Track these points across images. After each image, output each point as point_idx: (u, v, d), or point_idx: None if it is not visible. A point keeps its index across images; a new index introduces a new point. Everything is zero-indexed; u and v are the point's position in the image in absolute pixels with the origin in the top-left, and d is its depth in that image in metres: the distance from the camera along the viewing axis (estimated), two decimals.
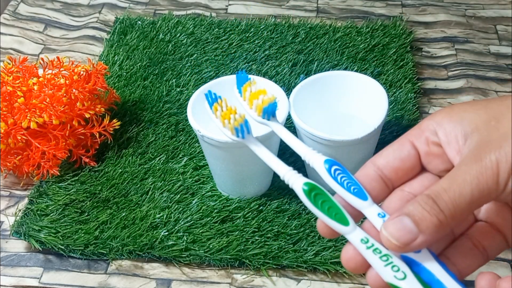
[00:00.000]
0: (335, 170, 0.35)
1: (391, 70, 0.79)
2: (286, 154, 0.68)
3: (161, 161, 0.69)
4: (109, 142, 0.69)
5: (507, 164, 0.30)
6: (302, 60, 0.81)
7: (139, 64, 0.81)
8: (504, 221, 0.35)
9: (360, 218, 0.35)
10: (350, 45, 0.83)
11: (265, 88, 0.41)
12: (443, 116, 0.34)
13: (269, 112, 0.40)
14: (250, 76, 0.44)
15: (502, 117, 0.32)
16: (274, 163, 0.37)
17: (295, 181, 0.35)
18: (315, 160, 0.36)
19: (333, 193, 0.35)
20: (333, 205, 0.34)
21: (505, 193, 0.30)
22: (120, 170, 0.68)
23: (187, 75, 0.79)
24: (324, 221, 0.34)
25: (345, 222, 0.33)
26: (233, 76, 0.65)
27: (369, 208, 0.34)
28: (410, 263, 0.33)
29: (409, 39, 0.84)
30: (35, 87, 0.66)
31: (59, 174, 0.66)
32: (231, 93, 0.64)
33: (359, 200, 0.34)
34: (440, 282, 0.32)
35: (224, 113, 0.39)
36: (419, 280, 0.32)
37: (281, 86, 0.64)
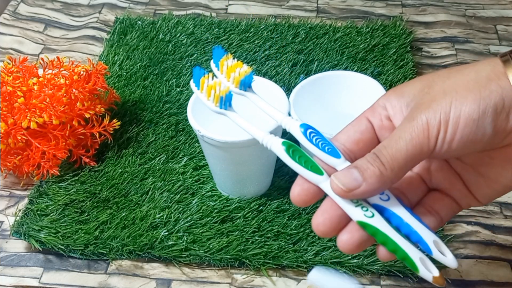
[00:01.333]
0: (310, 133, 0.39)
1: (391, 70, 0.79)
2: None
3: (161, 161, 0.69)
4: (109, 142, 0.69)
5: (435, 121, 0.35)
6: (302, 60, 0.81)
7: (139, 64, 0.81)
8: (450, 185, 0.40)
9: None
10: (350, 45, 0.83)
11: (240, 61, 0.44)
12: (390, 93, 0.39)
13: (246, 84, 0.43)
14: (226, 50, 0.47)
15: (434, 83, 0.37)
16: (252, 130, 0.41)
17: (273, 141, 0.39)
18: (292, 124, 0.40)
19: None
20: (308, 159, 0.38)
21: (437, 148, 0.35)
22: (120, 170, 0.68)
23: (187, 75, 0.79)
24: (301, 173, 0.38)
25: (320, 172, 0.37)
26: None
27: (342, 165, 0.38)
28: (380, 210, 0.37)
29: (409, 39, 0.84)
30: (35, 87, 0.66)
31: (59, 174, 0.66)
32: None
33: (333, 158, 0.38)
34: (407, 224, 0.37)
35: (210, 86, 0.42)
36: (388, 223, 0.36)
37: (281, 86, 0.64)
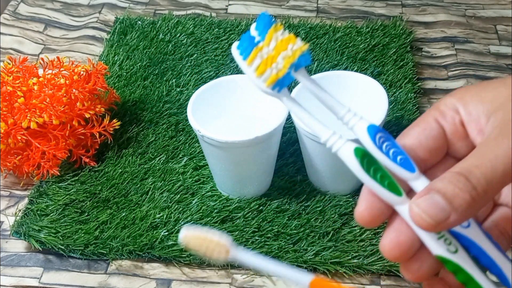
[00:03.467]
0: (380, 137, 0.32)
1: (391, 70, 0.79)
2: (286, 154, 0.68)
3: (161, 161, 0.69)
4: (109, 142, 0.69)
5: None
6: None
7: (139, 64, 0.81)
8: None
9: (407, 191, 0.33)
10: (350, 45, 0.83)
11: (292, 33, 0.34)
12: (463, 94, 0.33)
13: (300, 65, 0.33)
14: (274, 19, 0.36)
15: None
16: (314, 124, 0.34)
17: (342, 145, 0.32)
18: (356, 124, 0.33)
19: None
20: (385, 174, 0.31)
21: None
22: (120, 170, 0.68)
23: (187, 75, 0.79)
24: (376, 191, 0.31)
25: (398, 192, 0.31)
26: (233, 76, 0.65)
27: (416, 181, 0.32)
28: (458, 237, 0.32)
29: (409, 39, 0.84)
30: (35, 87, 0.66)
31: (59, 174, 0.66)
32: (231, 93, 0.64)
33: (406, 172, 0.32)
34: (489, 257, 0.31)
35: (265, 60, 0.33)
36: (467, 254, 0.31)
37: None
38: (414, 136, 0.33)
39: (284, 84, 0.33)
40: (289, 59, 0.32)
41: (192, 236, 0.34)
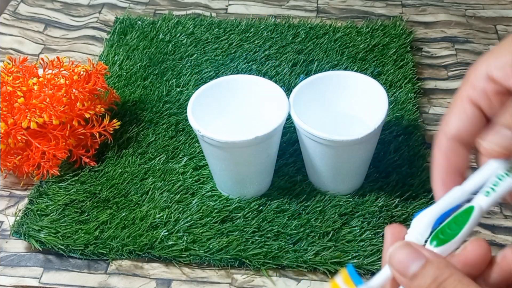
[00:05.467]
0: None
1: (391, 70, 0.79)
2: (286, 154, 0.68)
3: (161, 161, 0.69)
4: (109, 142, 0.69)
5: None
6: (302, 60, 0.81)
7: (139, 64, 0.81)
8: None
9: None
10: (350, 45, 0.83)
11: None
12: (486, 59, 0.34)
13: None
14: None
15: None
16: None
17: None
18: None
19: None
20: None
21: None
22: (120, 170, 0.68)
23: (187, 75, 0.79)
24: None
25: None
26: (233, 76, 0.65)
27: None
28: None
29: (409, 39, 0.84)
30: (35, 87, 0.66)
31: (59, 174, 0.66)
32: (231, 93, 0.64)
33: None
34: None
35: None
36: None
37: (281, 86, 0.64)
38: (453, 125, 0.35)
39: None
40: None
41: None
